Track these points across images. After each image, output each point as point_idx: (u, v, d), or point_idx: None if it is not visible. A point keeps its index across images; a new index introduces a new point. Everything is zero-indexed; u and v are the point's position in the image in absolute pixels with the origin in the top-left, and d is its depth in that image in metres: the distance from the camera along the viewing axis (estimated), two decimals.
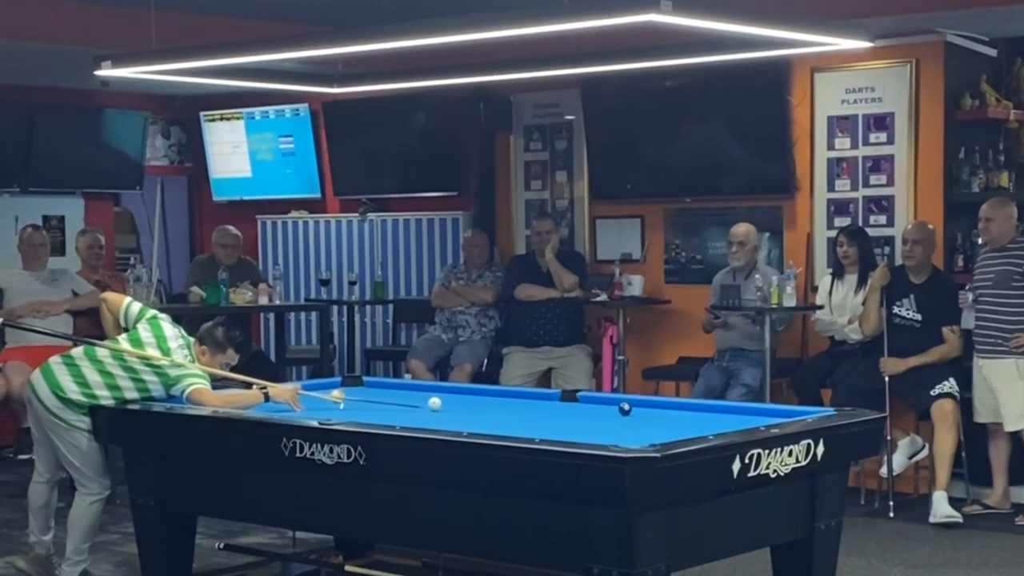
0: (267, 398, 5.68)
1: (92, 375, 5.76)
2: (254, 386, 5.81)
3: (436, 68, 7.78)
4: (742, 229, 8.29)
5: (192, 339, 5.91)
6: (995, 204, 7.54)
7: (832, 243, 8.25)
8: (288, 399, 5.68)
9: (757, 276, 8.06)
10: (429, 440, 4.77)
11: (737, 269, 8.30)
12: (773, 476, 4.60)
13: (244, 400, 5.71)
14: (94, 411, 5.73)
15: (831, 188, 8.43)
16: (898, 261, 7.95)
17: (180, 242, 11.86)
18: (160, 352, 5.76)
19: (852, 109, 8.31)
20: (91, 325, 8.52)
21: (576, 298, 8.95)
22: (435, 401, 5.67)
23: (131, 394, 5.74)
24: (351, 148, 10.46)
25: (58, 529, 6.13)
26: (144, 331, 5.86)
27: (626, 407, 5.54)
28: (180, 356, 5.79)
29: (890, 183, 8.21)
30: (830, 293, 8.10)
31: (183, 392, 5.68)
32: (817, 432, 4.85)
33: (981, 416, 7.58)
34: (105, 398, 5.74)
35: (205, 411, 5.53)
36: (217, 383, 5.89)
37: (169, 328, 5.91)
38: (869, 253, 8.03)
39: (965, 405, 7.57)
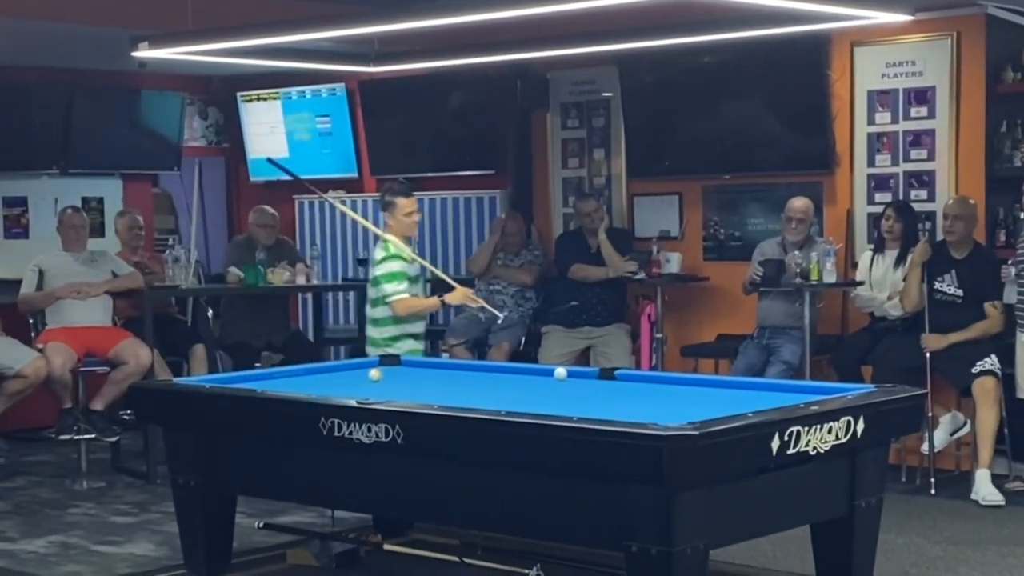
0: (443, 304, 7.06)
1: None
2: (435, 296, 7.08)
3: (472, 46, 7.75)
4: (801, 204, 8.19)
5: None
6: None
7: (872, 219, 8.19)
8: (461, 299, 7.04)
9: (797, 253, 8.00)
10: (467, 419, 4.76)
11: (791, 243, 8.22)
12: (813, 453, 4.58)
13: (424, 306, 7.06)
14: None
15: (871, 163, 8.37)
16: (939, 236, 7.89)
17: (218, 223, 11.89)
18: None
19: (892, 83, 8.24)
20: (130, 306, 8.59)
21: (619, 277, 8.89)
22: (561, 371, 6.03)
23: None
24: (388, 127, 10.44)
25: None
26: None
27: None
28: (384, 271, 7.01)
29: (931, 158, 8.14)
30: (870, 269, 8.04)
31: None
32: (857, 409, 4.82)
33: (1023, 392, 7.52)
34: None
35: (244, 392, 5.55)
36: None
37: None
38: (913, 229, 7.96)
39: (1007, 381, 7.51)
